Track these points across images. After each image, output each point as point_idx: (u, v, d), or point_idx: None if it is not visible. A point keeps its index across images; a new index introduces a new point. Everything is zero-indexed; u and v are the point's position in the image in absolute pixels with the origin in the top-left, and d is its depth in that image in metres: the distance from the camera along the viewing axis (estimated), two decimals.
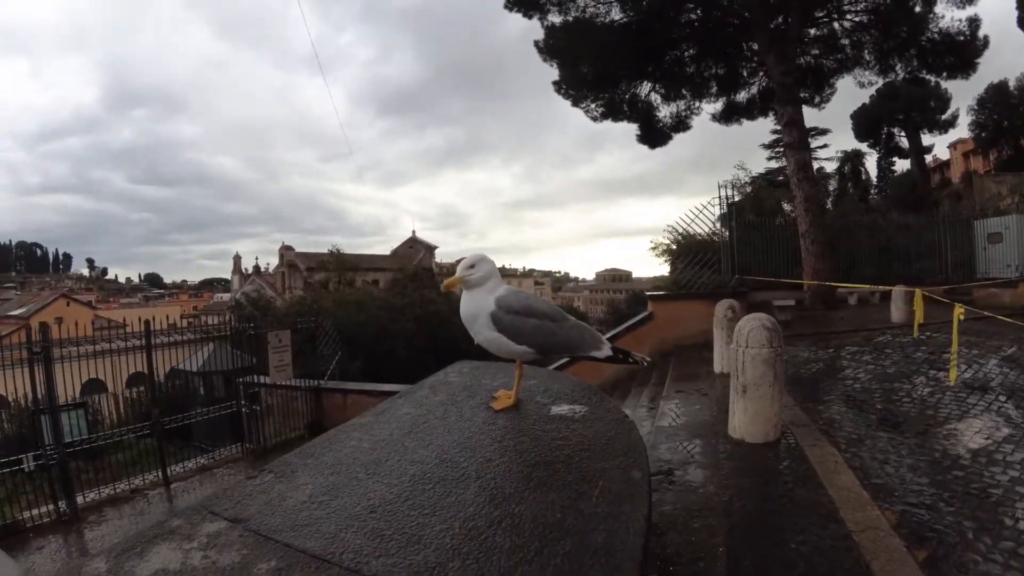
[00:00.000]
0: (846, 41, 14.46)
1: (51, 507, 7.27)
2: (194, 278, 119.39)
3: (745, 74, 15.46)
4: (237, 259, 63.73)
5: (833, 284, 11.46)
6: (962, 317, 4.64)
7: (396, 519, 1.41)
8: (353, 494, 1.53)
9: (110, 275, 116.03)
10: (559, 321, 2.05)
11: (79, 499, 7.57)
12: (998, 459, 4.01)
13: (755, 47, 13.90)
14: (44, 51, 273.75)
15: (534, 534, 1.34)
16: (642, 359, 2.10)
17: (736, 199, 13.39)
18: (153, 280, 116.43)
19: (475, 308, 2.02)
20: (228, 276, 68.55)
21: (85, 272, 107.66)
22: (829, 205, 24.53)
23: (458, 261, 2.13)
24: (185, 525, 1.39)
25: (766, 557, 2.64)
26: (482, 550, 1.28)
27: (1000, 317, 5.37)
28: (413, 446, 1.84)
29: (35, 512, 7.20)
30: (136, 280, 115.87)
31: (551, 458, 1.76)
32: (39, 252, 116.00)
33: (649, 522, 1.47)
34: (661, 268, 19.81)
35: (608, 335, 10.44)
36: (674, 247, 16.25)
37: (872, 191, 34.20)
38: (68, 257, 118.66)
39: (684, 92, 15.28)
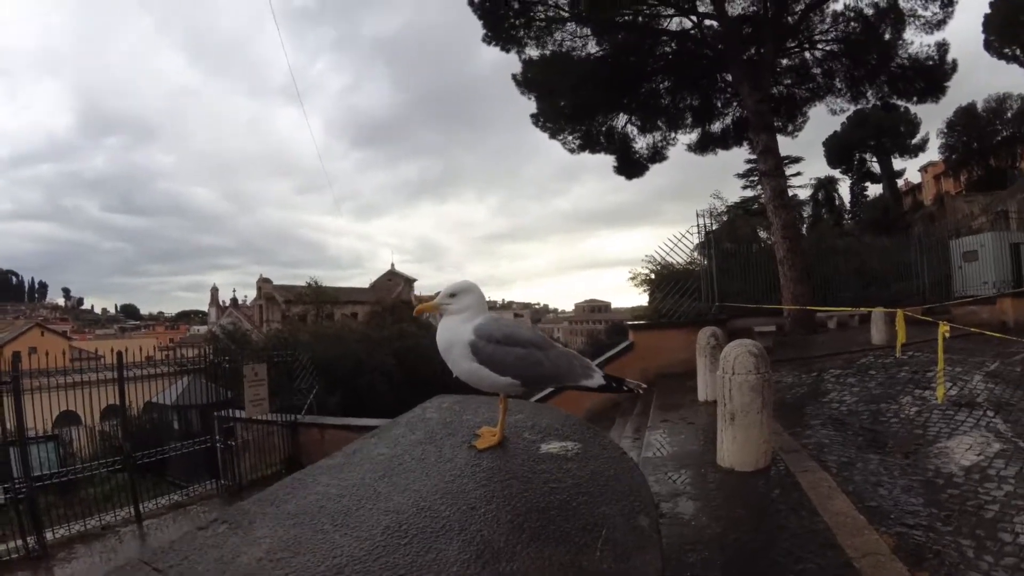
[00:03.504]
0: (817, 70, 14.88)
1: (20, 543, 7.02)
2: (171, 310, 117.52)
3: (719, 105, 15.81)
4: (214, 291, 63.03)
5: (813, 308, 11.53)
6: (947, 334, 4.62)
7: None
8: (318, 550, 1.35)
9: (86, 305, 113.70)
10: (546, 349, 1.90)
11: (49, 535, 7.37)
12: (991, 475, 3.97)
13: (729, 78, 14.22)
14: (16, 74, 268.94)
15: None
16: (637, 386, 1.93)
17: (714, 228, 13.48)
18: (129, 311, 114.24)
19: (451, 337, 1.87)
20: (205, 308, 67.62)
21: (61, 301, 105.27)
22: (804, 231, 24.98)
23: (437, 294, 1.99)
24: None
25: None
26: None
27: (988, 333, 5.39)
28: (387, 492, 1.65)
29: (3, 548, 6.97)
30: (112, 311, 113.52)
31: (545, 504, 1.57)
32: (14, 280, 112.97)
33: None
34: (639, 298, 19.85)
35: None
36: (653, 277, 16.31)
37: (846, 216, 34.98)
38: (44, 286, 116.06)
39: (660, 123, 15.54)
